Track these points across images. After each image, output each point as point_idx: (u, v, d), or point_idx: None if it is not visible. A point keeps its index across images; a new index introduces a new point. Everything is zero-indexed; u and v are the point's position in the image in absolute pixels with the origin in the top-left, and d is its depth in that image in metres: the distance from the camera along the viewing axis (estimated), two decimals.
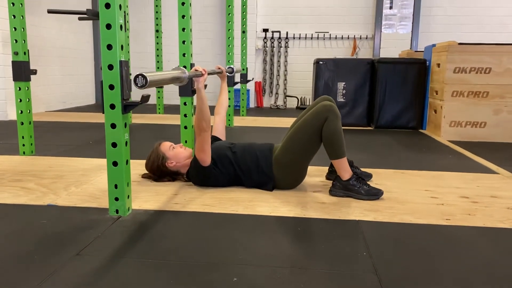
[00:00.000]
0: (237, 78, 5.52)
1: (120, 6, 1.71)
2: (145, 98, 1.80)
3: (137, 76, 1.58)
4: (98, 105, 6.96)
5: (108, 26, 1.69)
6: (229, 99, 4.79)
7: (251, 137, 4.00)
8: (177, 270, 1.38)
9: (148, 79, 1.58)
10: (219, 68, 2.70)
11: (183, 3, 2.61)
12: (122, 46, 1.74)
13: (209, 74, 2.28)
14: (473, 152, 3.44)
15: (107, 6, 1.68)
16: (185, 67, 2.61)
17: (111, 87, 1.73)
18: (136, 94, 1.99)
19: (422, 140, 4.09)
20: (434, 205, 2.08)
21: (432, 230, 1.77)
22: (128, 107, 1.78)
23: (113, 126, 1.77)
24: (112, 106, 1.75)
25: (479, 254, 1.55)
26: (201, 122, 2.11)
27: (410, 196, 2.23)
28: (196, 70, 2.12)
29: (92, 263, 1.42)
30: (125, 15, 4.51)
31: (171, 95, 7.01)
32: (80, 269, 1.38)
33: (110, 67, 1.71)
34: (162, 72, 1.83)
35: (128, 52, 4.81)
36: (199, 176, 2.28)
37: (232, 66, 3.04)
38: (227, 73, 2.83)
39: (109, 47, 1.70)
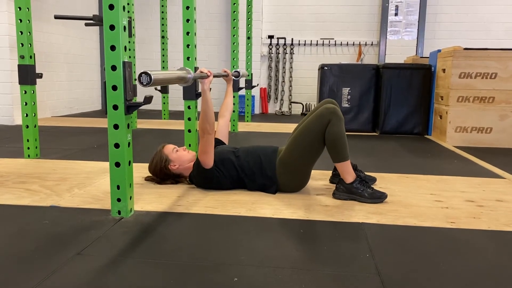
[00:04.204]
0: (242, 84, 5.53)
1: (124, 7, 1.72)
2: (148, 99, 1.80)
3: (141, 74, 1.57)
4: (104, 111, 6.99)
5: (112, 27, 1.70)
6: (233, 104, 4.80)
7: (255, 142, 3.99)
8: (177, 271, 1.37)
9: (152, 77, 1.57)
10: (225, 72, 2.70)
11: (187, 7, 2.62)
12: (125, 47, 1.75)
13: (215, 76, 2.28)
14: (479, 157, 3.41)
15: (111, 7, 1.69)
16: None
17: (114, 88, 1.73)
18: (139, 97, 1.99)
19: (427, 145, 4.06)
20: (439, 209, 2.06)
21: (436, 233, 1.75)
22: (131, 108, 1.78)
23: (115, 127, 1.77)
24: (115, 107, 1.75)
25: (484, 257, 1.53)
26: (205, 125, 2.11)
27: (414, 199, 2.21)
28: (201, 72, 2.13)
29: (93, 263, 1.42)
30: (131, 21, 4.55)
31: (177, 101, 7.04)
32: (80, 268, 1.38)
33: (113, 68, 1.72)
34: (167, 71, 1.82)
35: (134, 57, 4.85)
36: (202, 178, 2.28)
37: (238, 70, 3.03)
38: (233, 77, 2.82)
39: (113, 48, 1.71)
